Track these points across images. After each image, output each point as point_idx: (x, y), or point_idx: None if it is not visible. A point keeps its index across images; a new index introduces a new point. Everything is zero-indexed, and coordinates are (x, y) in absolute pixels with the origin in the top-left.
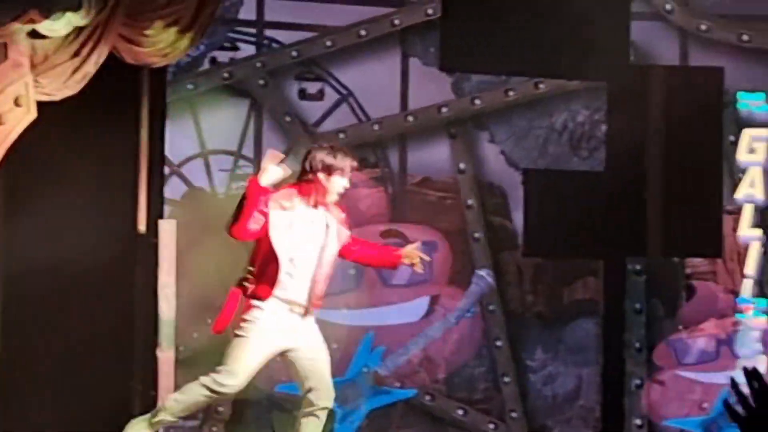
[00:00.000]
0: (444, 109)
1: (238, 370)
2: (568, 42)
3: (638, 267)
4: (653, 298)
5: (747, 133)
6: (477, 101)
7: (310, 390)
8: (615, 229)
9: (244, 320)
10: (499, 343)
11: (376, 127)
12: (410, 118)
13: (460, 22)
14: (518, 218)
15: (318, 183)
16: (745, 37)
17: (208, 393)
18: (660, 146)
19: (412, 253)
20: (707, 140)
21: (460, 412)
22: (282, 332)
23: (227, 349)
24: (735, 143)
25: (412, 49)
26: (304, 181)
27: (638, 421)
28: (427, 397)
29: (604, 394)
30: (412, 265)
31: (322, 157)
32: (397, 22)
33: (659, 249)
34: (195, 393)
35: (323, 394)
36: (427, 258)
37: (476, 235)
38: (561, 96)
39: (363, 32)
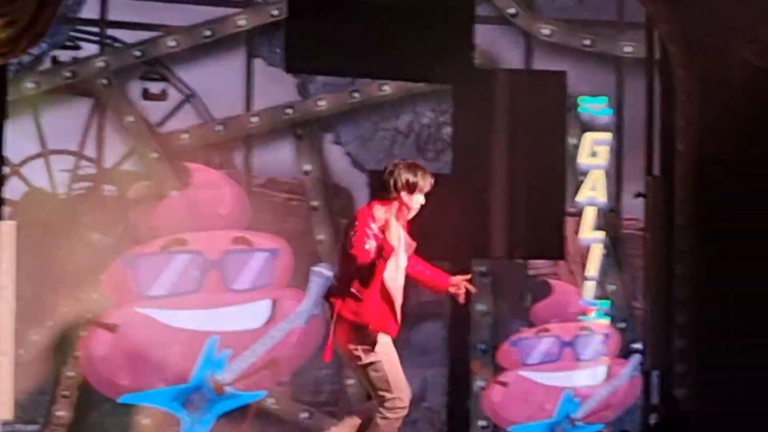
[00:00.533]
0: (289, 110)
1: (400, 387)
2: (413, 44)
3: (483, 269)
4: (498, 299)
5: (588, 137)
6: (322, 102)
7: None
8: (460, 231)
9: (368, 346)
10: None
11: (220, 127)
12: (255, 119)
13: (306, 24)
14: None
15: (401, 201)
16: (587, 42)
17: (394, 419)
18: (505, 149)
19: (459, 283)
20: (551, 143)
21: (305, 414)
22: None
23: (374, 380)
24: (578, 146)
25: (257, 50)
26: (387, 199)
27: (483, 423)
28: (272, 400)
29: (450, 396)
30: (456, 295)
31: (406, 176)
32: (242, 23)
33: (504, 251)
34: (385, 428)
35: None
36: (473, 290)
37: (320, 237)
38: (406, 98)
39: (208, 32)
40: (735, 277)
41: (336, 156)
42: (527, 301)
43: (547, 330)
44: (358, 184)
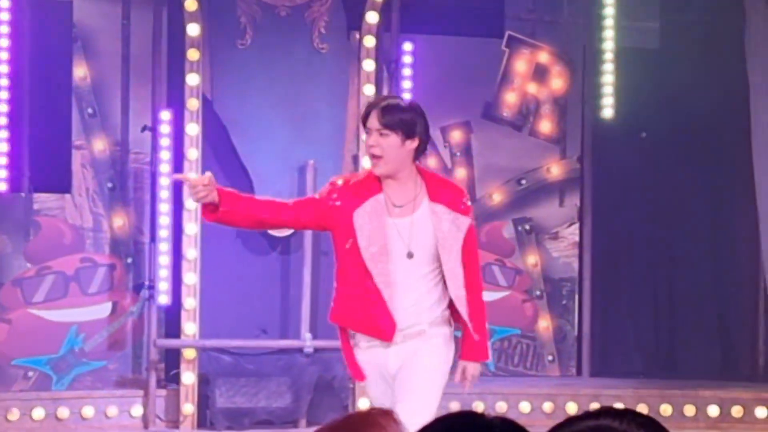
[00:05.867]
0: None
1: None
2: None
3: None
4: (1, 236)
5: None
6: None
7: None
8: None
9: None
10: None
11: None
12: None
13: None
14: None
15: None
16: None
17: None
18: (8, 79)
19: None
20: (56, 74)
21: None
22: None
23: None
24: (85, 78)
25: None
26: None
27: None
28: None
29: None
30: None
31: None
32: None
33: (6, 183)
34: None
35: None
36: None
37: None
38: None
39: None
40: None
41: None
42: (29, 237)
43: (49, 267)
44: None
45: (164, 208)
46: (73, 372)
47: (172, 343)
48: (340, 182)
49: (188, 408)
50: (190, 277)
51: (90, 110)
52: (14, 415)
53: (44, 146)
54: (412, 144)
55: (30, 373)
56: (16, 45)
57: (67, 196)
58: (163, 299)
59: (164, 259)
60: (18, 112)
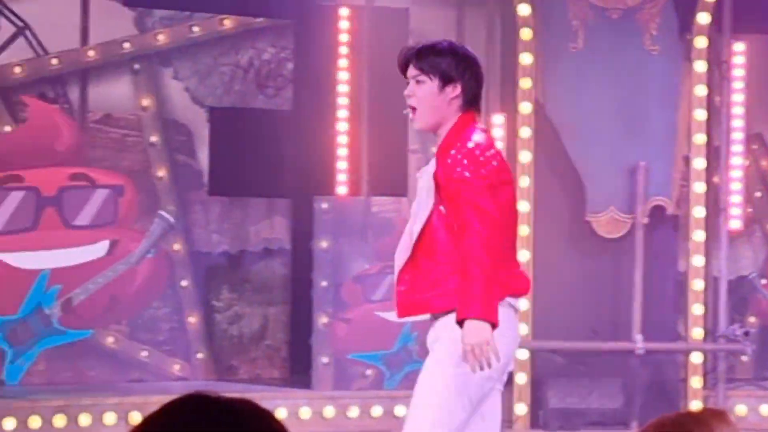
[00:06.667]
0: (126, 44)
1: None
2: None
3: (325, 205)
4: (341, 236)
5: None
6: (160, 37)
7: None
8: (302, 167)
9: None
10: (184, 283)
11: (54, 61)
12: (91, 53)
13: None
14: (204, 157)
15: None
16: None
17: None
18: (348, 85)
19: None
20: (393, 79)
21: (144, 353)
22: None
23: None
24: None
25: None
26: None
27: (325, 360)
28: (110, 339)
29: (291, 334)
30: None
31: None
32: None
33: (346, 188)
34: None
35: None
36: None
37: (160, 174)
38: (247, 33)
39: None
40: None
41: (174, 91)
42: (368, 237)
43: (390, 266)
44: (197, 120)
45: None
46: (405, 369)
47: None
48: None
49: (521, 408)
50: None
51: None
52: (353, 412)
53: (381, 151)
54: (454, 91)
55: (368, 372)
56: (356, 53)
57: (404, 199)
58: None
59: None
60: (357, 119)
